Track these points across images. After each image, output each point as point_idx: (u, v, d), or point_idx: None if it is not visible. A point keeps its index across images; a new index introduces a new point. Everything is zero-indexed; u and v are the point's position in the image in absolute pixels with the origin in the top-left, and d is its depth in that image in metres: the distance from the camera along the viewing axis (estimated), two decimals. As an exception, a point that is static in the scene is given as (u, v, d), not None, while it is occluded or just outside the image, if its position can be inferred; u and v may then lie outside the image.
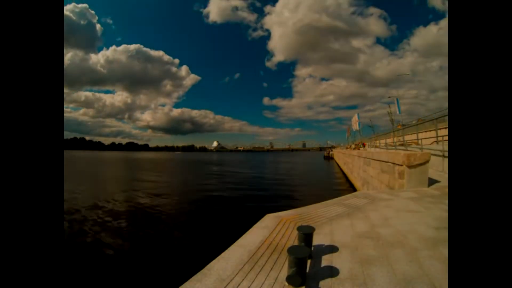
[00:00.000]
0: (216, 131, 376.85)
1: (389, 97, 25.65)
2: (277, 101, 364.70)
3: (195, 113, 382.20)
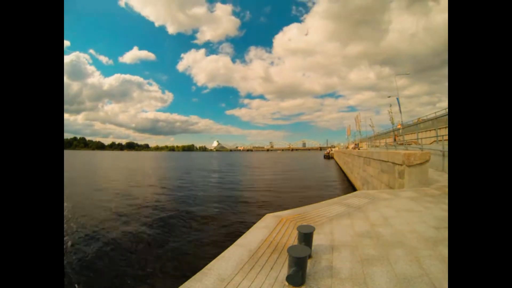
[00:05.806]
0: (203, 132, 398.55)
1: (389, 96, 25.68)
2: (234, 111, 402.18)
3: (182, 116, 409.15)
